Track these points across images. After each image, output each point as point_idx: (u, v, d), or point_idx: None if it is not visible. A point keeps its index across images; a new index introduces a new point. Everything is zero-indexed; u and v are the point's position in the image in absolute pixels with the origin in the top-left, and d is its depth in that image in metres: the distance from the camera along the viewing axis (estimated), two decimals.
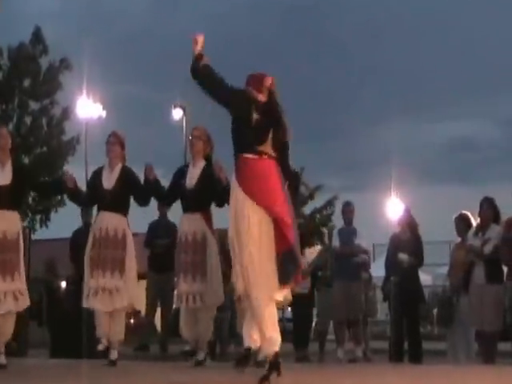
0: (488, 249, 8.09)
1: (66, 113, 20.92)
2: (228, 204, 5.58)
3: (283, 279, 5.14)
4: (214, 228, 7.09)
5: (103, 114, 21.86)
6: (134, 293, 7.09)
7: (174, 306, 7.62)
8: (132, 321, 16.44)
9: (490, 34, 56.72)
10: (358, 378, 6.61)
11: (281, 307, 6.71)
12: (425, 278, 12.99)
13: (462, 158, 62.18)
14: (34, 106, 20.95)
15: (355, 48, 56.48)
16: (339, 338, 9.74)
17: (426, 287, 10.35)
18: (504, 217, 8.31)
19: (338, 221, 12.22)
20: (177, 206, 7.36)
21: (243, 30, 56.86)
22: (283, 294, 5.22)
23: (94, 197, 7.21)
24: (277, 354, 5.13)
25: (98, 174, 7.21)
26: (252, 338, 5.31)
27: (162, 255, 10.07)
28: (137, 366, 7.65)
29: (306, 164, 20.07)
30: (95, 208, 7.37)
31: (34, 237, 18.30)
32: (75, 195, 7.23)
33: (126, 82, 52.56)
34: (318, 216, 23.19)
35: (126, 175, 7.11)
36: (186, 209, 7.07)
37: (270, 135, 5.29)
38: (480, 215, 8.36)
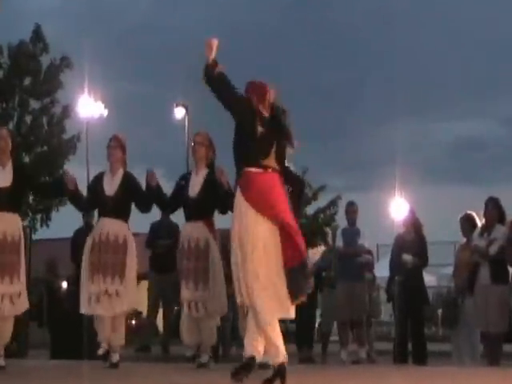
0: (493, 249, 8.04)
1: (67, 111, 20.83)
2: (231, 211, 5.52)
3: (295, 293, 5.11)
4: (216, 233, 7.06)
5: (104, 112, 21.83)
6: (133, 298, 7.06)
7: (176, 308, 7.58)
8: (133, 321, 16.41)
9: (496, 33, 56.71)
10: (362, 379, 6.58)
11: None
12: (429, 278, 12.98)
13: (468, 157, 62.16)
14: (34, 104, 20.86)
15: (359, 47, 56.48)
16: (343, 340, 9.69)
17: (430, 288, 10.33)
18: (509, 217, 8.28)
19: (341, 221, 12.18)
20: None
21: (245, 19, 56.76)
22: (289, 312, 5.17)
23: (94, 202, 7.17)
24: (283, 363, 5.10)
25: (99, 179, 7.17)
26: (254, 348, 5.20)
27: (163, 255, 10.03)
28: (138, 367, 7.62)
29: (310, 163, 20.01)
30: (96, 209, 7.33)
31: (34, 236, 18.22)
32: (75, 198, 7.17)
33: (128, 81, 52.68)
34: (321, 216, 23.14)
35: (128, 181, 7.07)
36: (189, 217, 7.04)
37: (274, 149, 5.27)
38: (485, 215, 8.32)
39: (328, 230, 19.50)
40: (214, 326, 7.09)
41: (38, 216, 20.26)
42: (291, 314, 5.21)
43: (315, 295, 10.32)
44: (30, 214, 19.82)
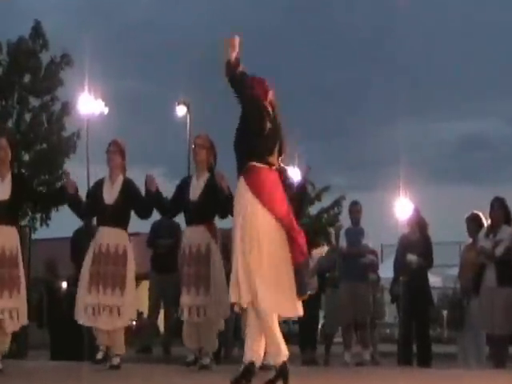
0: (499, 250, 7.97)
1: (67, 108, 20.77)
2: (231, 215, 5.51)
3: (300, 291, 5.07)
4: (218, 237, 7.02)
5: (105, 110, 21.76)
6: (133, 311, 7.10)
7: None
8: (134, 322, 16.34)
9: (501, 31, 56.77)
10: (366, 382, 6.55)
11: None
12: (434, 279, 12.94)
13: (473, 157, 62.24)
14: (34, 102, 20.83)
15: (363, 45, 56.52)
16: (346, 341, 9.63)
17: (435, 289, 10.29)
18: None
19: (345, 221, 12.11)
20: None
21: (246, 18, 56.76)
22: (295, 310, 5.14)
23: (93, 210, 7.15)
24: (285, 363, 5.05)
25: (99, 186, 7.13)
26: (254, 352, 5.13)
27: (164, 255, 9.96)
28: (139, 368, 7.56)
29: (313, 163, 19.97)
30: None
31: (34, 236, 18.17)
32: (75, 204, 7.13)
33: (129, 78, 52.66)
34: (325, 216, 23.13)
35: (128, 189, 7.03)
36: (190, 221, 7.02)
37: (277, 147, 5.30)
38: (491, 216, 8.26)
39: (331, 230, 19.46)
40: (215, 332, 7.05)
41: (38, 215, 20.21)
42: (295, 312, 5.17)
43: (319, 296, 10.27)
44: (30, 213, 19.77)
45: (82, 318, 6.94)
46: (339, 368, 9.00)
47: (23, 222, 17.72)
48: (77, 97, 21.23)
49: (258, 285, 4.98)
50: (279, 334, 5.08)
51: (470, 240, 8.72)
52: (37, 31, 20.77)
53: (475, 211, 8.72)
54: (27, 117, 20.86)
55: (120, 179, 7.05)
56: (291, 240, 5.08)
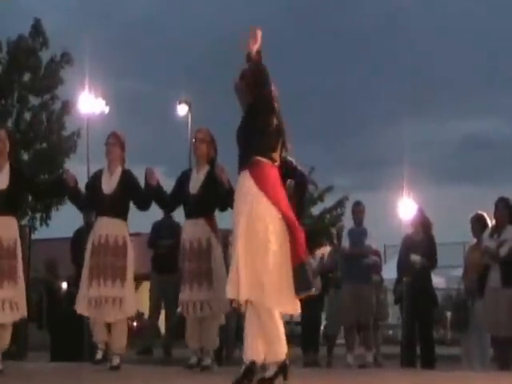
0: (504, 251, 7.93)
1: (67, 107, 20.74)
2: (231, 208, 5.48)
3: (301, 289, 5.03)
4: (218, 232, 6.97)
5: (106, 109, 21.74)
6: (134, 302, 7.02)
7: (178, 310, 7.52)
8: (135, 323, 16.32)
9: (503, 30, 56.77)
10: None
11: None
12: (438, 280, 12.86)
13: (477, 156, 62.20)
14: (33, 101, 20.81)
15: (367, 45, 56.53)
16: (349, 343, 9.60)
17: (439, 290, 10.23)
18: None
19: (348, 222, 12.07)
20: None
21: (247, 17, 56.80)
22: (295, 308, 5.11)
23: (93, 201, 7.11)
24: (285, 359, 5.04)
25: (97, 177, 7.12)
26: (254, 351, 5.07)
27: (165, 256, 9.92)
28: (139, 370, 7.52)
29: (317, 163, 19.99)
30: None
31: (34, 236, 18.12)
32: (75, 195, 7.12)
33: (130, 77, 52.74)
34: (327, 216, 23.10)
35: (126, 179, 7.01)
36: (189, 215, 6.98)
37: (279, 144, 5.29)
38: (495, 216, 8.23)
39: (333, 230, 19.41)
40: (217, 327, 7.02)
41: (38, 215, 20.20)
42: (294, 309, 5.14)
43: (321, 297, 10.22)
44: (30, 212, 19.76)
45: (83, 310, 6.92)
46: (342, 370, 8.97)
47: (23, 222, 17.67)
48: (77, 96, 21.24)
49: (266, 283, 4.94)
50: (280, 334, 5.05)
51: (475, 240, 8.69)
52: (37, 29, 20.72)
53: (480, 211, 8.70)
54: (27, 116, 20.86)
55: (119, 170, 7.04)
56: (292, 237, 5.05)
